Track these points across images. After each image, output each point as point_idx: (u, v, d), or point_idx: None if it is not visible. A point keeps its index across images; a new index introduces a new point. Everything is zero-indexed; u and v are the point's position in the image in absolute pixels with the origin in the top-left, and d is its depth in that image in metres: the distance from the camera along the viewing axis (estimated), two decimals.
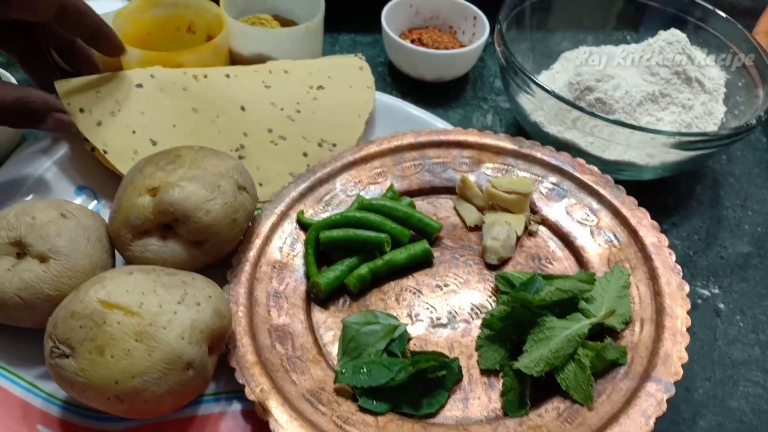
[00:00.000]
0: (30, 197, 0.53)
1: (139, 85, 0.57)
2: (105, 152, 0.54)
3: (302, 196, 0.55)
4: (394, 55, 0.73)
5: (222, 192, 0.46)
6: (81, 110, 0.55)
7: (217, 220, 0.46)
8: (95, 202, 0.57)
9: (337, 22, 0.78)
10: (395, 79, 0.75)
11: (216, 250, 0.48)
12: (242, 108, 0.60)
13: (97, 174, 0.57)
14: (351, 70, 0.65)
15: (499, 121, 0.71)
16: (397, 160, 0.59)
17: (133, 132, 0.56)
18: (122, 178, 0.49)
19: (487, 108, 0.73)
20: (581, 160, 0.57)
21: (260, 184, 0.56)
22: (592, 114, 0.55)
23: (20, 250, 0.42)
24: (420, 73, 0.73)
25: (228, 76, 0.61)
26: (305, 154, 0.59)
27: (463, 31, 0.78)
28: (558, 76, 0.70)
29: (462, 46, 0.76)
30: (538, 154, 0.58)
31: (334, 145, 0.60)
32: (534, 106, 0.61)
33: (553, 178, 0.57)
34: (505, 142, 0.59)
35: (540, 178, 0.57)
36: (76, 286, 0.41)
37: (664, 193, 0.65)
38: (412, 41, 0.76)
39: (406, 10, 0.77)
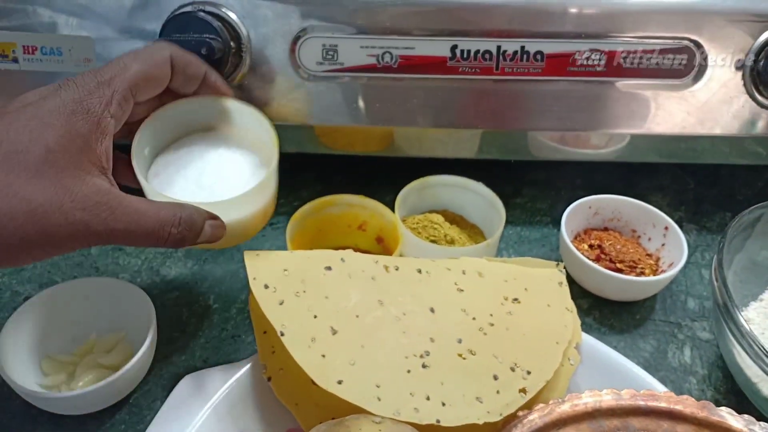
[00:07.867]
0: None
1: (328, 268, 0.54)
2: (282, 334, 0.49)
3: None
4: (576, 271, 0.65)
5: None
6: (266, 286, 0.51)
7: None
8: None
9: None
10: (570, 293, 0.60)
11: None
12: (431, 310, 0.54)
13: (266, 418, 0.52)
14: (549, 285, 0.58)
15: (699, 359, 0.61)
16: (594, 429, 0.50)
17: (315, 317, 0.51)
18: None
19: (683, 339, 0.63)
20: None
21: (443, 404, 0.49)
22: None
23: None
24: (604, 294, 0.65)
25: (420, 271, 0.56)
26: (495, 378, 0.51)
27: (648, 238, 0.69)
28: None
29: (648, 255, 0.68)
30: None
31: (528, 372, 0.52)
32: (763, 377, 0.51)
33: None
34: (731, 421, 0.49)
35: None
36: None
37: None
38: (590, 246, 0.69)
39: (584, 211, 0.70)
